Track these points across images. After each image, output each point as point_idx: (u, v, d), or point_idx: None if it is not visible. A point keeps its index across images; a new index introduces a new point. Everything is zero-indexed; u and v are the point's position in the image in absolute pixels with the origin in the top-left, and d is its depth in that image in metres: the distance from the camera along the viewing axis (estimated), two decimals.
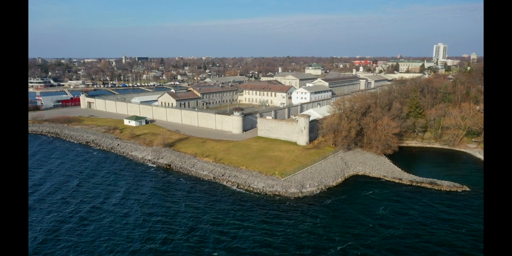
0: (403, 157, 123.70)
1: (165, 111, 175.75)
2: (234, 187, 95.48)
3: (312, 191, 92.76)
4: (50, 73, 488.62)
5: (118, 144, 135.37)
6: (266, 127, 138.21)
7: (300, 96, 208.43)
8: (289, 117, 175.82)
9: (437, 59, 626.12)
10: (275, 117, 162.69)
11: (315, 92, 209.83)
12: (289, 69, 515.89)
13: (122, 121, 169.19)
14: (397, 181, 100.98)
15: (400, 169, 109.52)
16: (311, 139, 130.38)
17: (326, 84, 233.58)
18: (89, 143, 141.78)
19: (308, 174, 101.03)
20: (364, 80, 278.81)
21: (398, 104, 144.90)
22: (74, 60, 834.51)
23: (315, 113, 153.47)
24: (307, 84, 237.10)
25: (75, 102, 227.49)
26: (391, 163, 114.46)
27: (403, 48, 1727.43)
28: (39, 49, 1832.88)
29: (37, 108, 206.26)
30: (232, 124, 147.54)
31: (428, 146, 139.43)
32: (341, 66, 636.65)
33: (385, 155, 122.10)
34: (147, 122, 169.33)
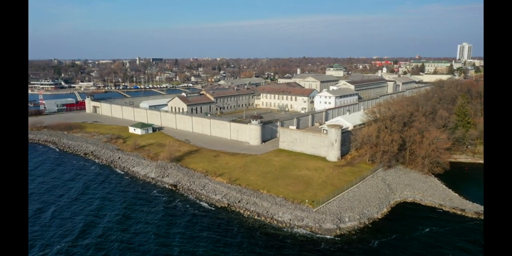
0: (455, 177, 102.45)
1: (174, 117, 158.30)
2: (252, 220, 76.30)
3: (352, 226, 72.92)
4: (63, 75, 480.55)
5: (119, 157, 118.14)
6: (289, 139, 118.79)
7: (323, 100, 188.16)
8: (312, 124, 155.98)
9: (465, 60, 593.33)
10: (298, 125, 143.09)
11: (341, 96, 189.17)
12: (306, 70, 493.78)
13: (127, 129, 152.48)
14: (458, 212, 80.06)
15: (457, 194, 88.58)
16: (342, 154, 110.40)
17: (352, 87, 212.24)
18: (87, 155, 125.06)
19: (345, 202, 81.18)
20: (392, 83, 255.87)
21: (444, 112, 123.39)
22: (90, 61, 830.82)
23: (344, 121, 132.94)
24: (331, 87, 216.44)
25: (81, 106, 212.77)
26: (445, 186, 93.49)
27: (421, 48, 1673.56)
28: (56, 51, 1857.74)
29: (39, 113, 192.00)
30: (249, 134, 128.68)
31: (481, 162, 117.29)
32: (360, 67, 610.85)
33: (433, 174, 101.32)
34: (154, 129, 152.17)
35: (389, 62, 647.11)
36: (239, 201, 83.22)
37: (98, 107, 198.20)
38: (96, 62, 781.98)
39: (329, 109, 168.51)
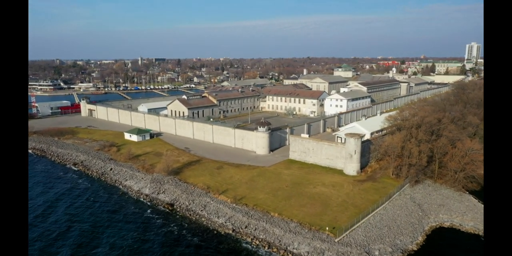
0: None
1: (174, 122, 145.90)
2: (263, 252, 63.61)
3: None
4: (63, 75, 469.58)
5: (111, 169, 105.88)
6: (301, 148, 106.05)
7: (334, 103, 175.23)
8: (324, 131, 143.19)
9: (476, 60, 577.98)
10: (309, 131, 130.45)
11: (353, 99, 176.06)
12: (312, 71, 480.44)
13: (123, 135, 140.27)
14: None
15: None
16: (362, 166, 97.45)
17: (364, 89, 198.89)
18: (76, 165, 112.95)
19: (372, 228, 68.30)
20: (406, 84, 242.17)
21: (475, 118, 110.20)
22: (92, 61, 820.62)
23: (361, 127, 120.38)
24: (342, 89, 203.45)
25: (77, 108, 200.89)
26: None
27: (427, 48, 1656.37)
28: (58, 51, 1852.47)
29: (31, 117, 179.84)
30: (256, 142, 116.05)
31: None
32: (367, 67, 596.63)
33: (467, 191, 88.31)
34: (151, 136, 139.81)
35: (395, 62, 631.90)
36: (245, 227, 70.60)
37: (94, 110, 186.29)
38: (98, 62, 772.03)
39: (342, 113, 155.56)
